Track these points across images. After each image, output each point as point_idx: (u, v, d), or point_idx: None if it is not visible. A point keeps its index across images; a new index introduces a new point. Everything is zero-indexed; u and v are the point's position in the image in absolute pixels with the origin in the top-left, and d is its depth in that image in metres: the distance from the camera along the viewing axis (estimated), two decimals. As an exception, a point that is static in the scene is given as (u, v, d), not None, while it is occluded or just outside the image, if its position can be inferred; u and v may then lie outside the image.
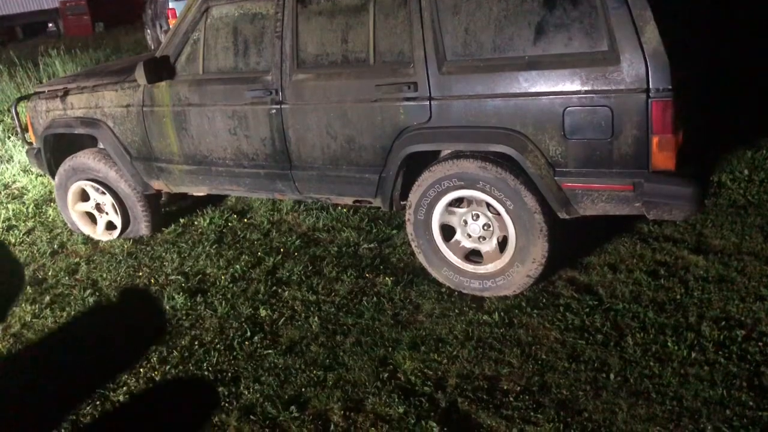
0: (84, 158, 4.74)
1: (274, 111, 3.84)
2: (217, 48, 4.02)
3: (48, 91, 4.91)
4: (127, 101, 4.39)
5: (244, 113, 3.95)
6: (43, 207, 5.82)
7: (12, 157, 7.39)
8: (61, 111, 4.74)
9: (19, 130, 5.28)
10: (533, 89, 3.12)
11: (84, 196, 4.91)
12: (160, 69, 4.13)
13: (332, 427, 2.83)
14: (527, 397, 2.81)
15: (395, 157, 3.55)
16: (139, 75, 4.08)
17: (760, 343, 2.92)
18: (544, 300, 3.44)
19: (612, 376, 2.84)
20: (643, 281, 3.48)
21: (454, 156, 3.45)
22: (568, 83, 3.04)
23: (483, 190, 3.37)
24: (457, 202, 3.56)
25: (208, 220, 4.95)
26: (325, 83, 3.67)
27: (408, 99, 3.43)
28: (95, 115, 4.57)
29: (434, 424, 2.71)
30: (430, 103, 3.38)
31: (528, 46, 3.12)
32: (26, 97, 5.19)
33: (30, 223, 5.50)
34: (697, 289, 3.36)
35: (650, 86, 2.88)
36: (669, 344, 2.97)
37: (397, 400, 2.89)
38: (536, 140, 3.18)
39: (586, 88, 3.01)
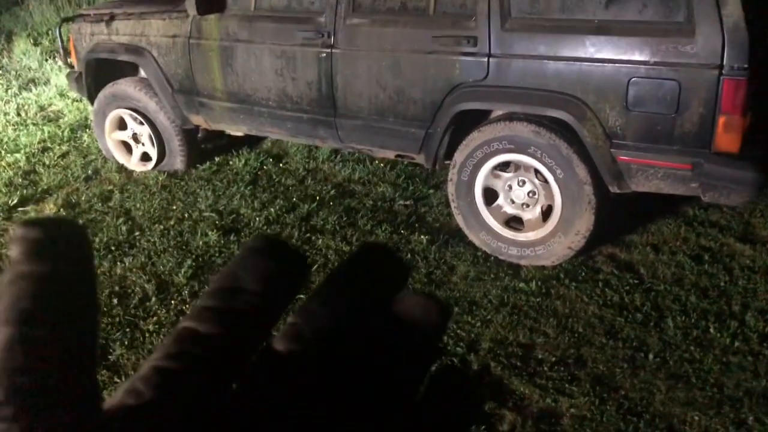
0: (125, 86, 4.68)
1: (324, 54, 3.74)
2: (271, -16, 3.91)
3: (94, 14, 4.83)
4: (174, 31, 4.30)
5: (292, 54, 3.86)
6: (78, 132, 5.79)
7: (49, 80, 7.35)
8: (106, 36, 4.66)
9: (60, 52, 5.22)
10: (599, 55, 3.00)
11: (121, 125, 4.87)
12: (212, 1, 4.03)
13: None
14: (562, 368, 2.76)
15: (445, 114, 3.46)
16: (190, 5, 4.00)
17: (806, 339, 2.85)
18: (583, 274, 3.37)
19: (651, 356, 2.78)
20: (686, 265, 3.39)
21: (507, 118, 3.34)
22: (636, 52, 2.92)
23: (533, 156, 3.27)
24: (504, 165, 3.47)
25: (243, 161, 4.90)
26: (380, 30, 3.56)
27: (466, 54, 3.31)
28: (140, 43, 4.49)
29: (465, 386, 2.68)
30: (488, 59, 3.26)
31: (599, 9, 2.99)
32: (70, 19, 5.11)
33: (65, 147, 5.48)
34: (743, 278, 3.27)
35: (724, 63, 2.75)
36: (711, 330, 2.90)
37: (428, 358, 2.85)
38: (596, 109, 3.07)
39: (655, 59, 2.89)
